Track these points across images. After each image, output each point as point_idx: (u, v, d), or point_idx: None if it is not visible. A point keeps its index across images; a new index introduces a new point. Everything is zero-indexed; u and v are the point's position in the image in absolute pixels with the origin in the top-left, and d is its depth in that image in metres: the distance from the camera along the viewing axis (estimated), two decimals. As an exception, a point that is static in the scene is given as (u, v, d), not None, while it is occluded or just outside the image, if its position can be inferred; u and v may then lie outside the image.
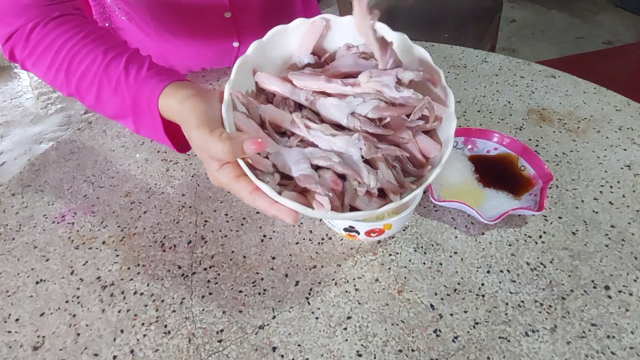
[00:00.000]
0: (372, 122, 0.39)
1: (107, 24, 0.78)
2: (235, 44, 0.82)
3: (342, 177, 0.38)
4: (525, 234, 0.56)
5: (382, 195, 0.40)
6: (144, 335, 0.49)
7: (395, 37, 0.44)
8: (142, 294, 0.52)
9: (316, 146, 0.39)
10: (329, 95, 0.41)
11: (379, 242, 0.56)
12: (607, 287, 0.50)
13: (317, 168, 0.38)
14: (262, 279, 0.53)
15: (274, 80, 0.42)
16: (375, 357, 0.45)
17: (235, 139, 0.36)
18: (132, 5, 0.73)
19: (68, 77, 0.51)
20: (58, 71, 0.52)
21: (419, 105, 0.38)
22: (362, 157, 0.38)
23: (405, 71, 0.40)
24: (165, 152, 0.70)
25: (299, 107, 0.43)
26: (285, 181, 0.38)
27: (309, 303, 0.50)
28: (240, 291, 0.52)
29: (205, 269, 0.54)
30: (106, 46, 0.51)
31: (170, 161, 0.69)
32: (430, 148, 0.41)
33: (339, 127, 0.40)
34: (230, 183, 0.39)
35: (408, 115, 0.40)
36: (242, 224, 0.59)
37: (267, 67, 0.45)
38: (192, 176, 0.66)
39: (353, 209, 0.39)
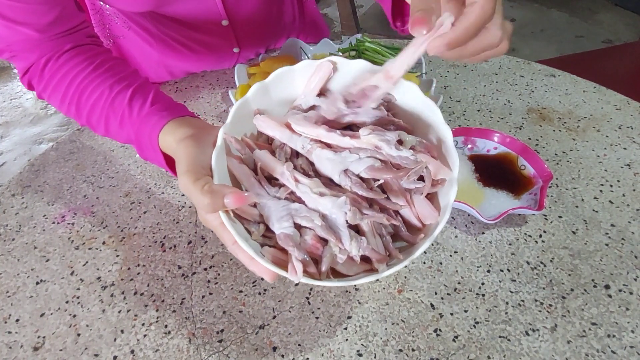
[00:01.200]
0: (363, 183, 0.38)
1: (107, 32, 0.78)
2: (236, 50, 0.82)
3: (325, 239, 0.37)
4: (525, 233, 0.56)
5: (367, 259, 0.38)
6: (144, 336, 0.49)
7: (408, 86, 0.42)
8: (142, 294, 0.52)
9: (304, 202, 0.38)
10: (327, 145, 0.40)
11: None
12: (607, 286, 0.50)
13: (301, 226, 0.37)
14: (262, 278, 0.53)
15: (272, 125, 0.41)
16: (375, 357, 0.45)
17: (217, 192, 0.35)
18: (131, 16, 0.74)
19: (79, 110, 0.54)
20: (70, 105, 0.55)
21: (414, 169, 0.36)
22: (347, 222, 0.37)
23: (409, 136, 0.39)
24: (165, 152, 0.70)
25: (297, 153, 0.41)
26: (270, 233, 0.38)
27: (309, 303, 0.50)
28: (241, 291, 0.52)
29: (205, 269, 0.54)
30: (113, 80, 0.53)
31: (170, 161, 0.69)
32: (427, 214, 0.38)
33: (332, 181, 0.39)
34: (217, 228, 0.39)
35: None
36: (242, 224, 0.59)
37: (271, 108, 0.43)
38: (192, 176, 0.66)
39: (334, 270, 0.37)
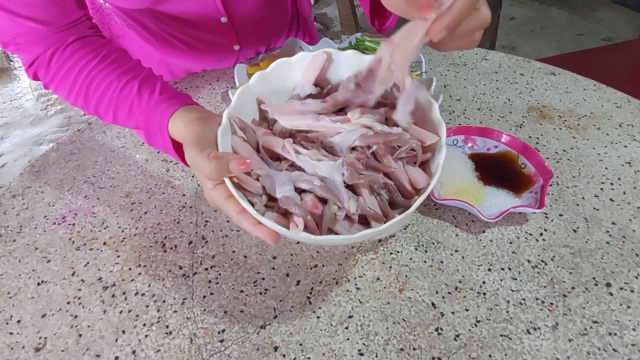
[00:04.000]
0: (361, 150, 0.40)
1: (107, 31, 0.78)
2: (236, 47, 0.82)
3: (324, 201, 0.39)
4: (526, 232, 0.56)
5: (365, 222, 0.40)
6: (146, 336, 0.49)
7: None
8: (143, 294, 0.52)
9: (304, 171, 0.40)
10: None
11: (379, 240, 0.56)
12: (608, 284, 0.50)
13: (301, 191, 0.39)
14: (263, 278, 0.53)
15: (296, 118, 0.44)
16: (376, 356, 0.45)
17: (222, 158, 0.37)
18: (131, 14, 0.74)
19: (87, 100, 0.56)
20: (78, 95, 0.56)
21: (408, 145, 0.40)
22: (345, 182, 0.39)
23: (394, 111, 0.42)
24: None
25: (296, 136, 0.44)
26: (272, 203, 0.40)
27: (310, 302, 0.50)
28: (242, 291, 0.52)
29: (206, 269, 0.54)
30: (120, 71, 0.54)
31: (170, 161, 0.69)
32: (419, 179, 0.41)
33: (330, 153, 0.42)
34: (222, 203, 0.40)
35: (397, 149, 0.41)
36: (242, 224, 0.59)
37: (270, 97, 0.47)
38: (192, 176, 0.66)
39: (334, 233, 0.39)
